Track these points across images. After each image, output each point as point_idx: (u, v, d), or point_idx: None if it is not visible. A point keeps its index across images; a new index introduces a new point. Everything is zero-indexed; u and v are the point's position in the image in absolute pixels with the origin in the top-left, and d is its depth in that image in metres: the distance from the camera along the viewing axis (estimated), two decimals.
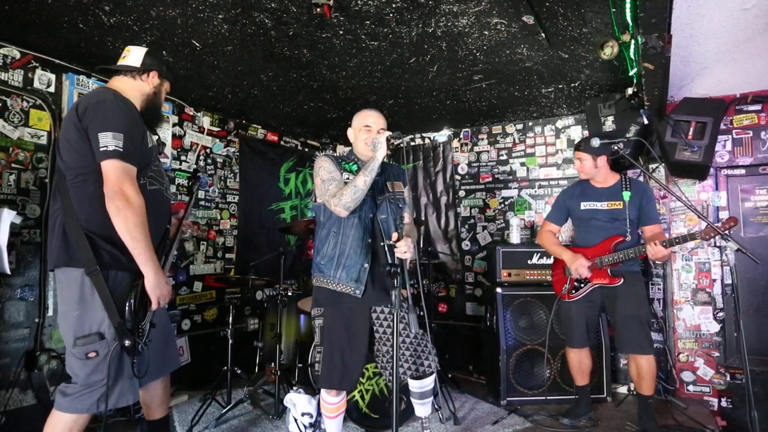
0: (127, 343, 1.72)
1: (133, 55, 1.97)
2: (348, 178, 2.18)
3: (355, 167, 2.25)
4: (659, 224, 2.86)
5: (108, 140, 1.71)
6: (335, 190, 2.12)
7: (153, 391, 2.04)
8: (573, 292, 2.90)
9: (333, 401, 2.24)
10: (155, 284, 1.78)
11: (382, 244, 2.10)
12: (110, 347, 1.73)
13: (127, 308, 1.74)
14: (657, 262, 2.83)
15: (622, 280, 2.78)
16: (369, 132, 2.24)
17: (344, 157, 2.32)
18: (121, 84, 1.95)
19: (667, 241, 2.57)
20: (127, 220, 1.70)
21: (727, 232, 2.21)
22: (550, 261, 3.30)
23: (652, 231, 2.79)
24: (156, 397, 2.06)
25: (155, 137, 2.05)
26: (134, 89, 1.95)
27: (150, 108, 1.99)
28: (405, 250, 1.97)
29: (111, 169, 1.72)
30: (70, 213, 1.77)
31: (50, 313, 2.88)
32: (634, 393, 3.29)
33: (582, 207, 2.94)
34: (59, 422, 1.74)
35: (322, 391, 2.23)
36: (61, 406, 1.75)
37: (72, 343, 1.73)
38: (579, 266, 2.78)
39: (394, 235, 1.96)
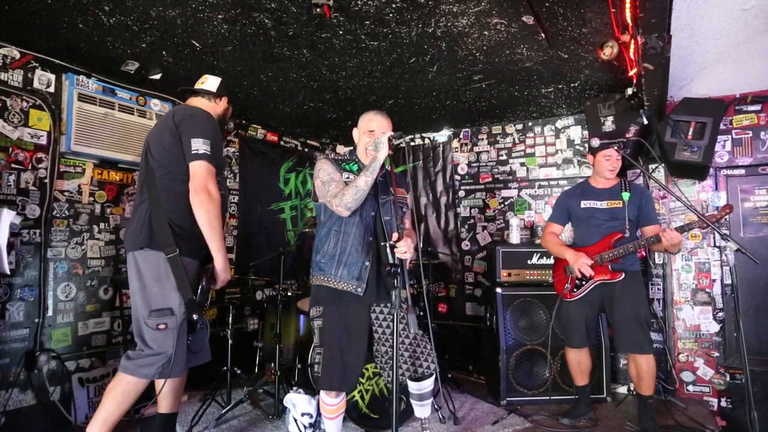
0: (194, 317, 2.03)
1: (210, 82, 2.41)
2: (348, 178, 2.18)
3: (356, 167, 2.25)
4: (659, 225, 2.88)
5: (200, 145, 2.06)
6: (336, 190, 2.12)
7: (173, 381, 2.21)
8: (575, 290, 2.90)
9: (332, 402, 2.23)
10: (223, 267, 2.14)
11: (383, 244, 2.10)
12: (178, 321, 2.02)
13: (200, 288, 2.06)
14: (672, 252, 2.83)
15: (624, 275, 2.79)
16: (372, 137, 2.22)
17: (345, 158, 2.32)
18: (199, 103, 2.35)
19: (678, 229, 2.56)
20: (209, 212, 2.03)
21: (725, 218, 2.27)
22: (550, 261, 3.30)
23: (654, 231, 2.79)
24: (174, 388, 2.26)
25: None
26: (210, 108, 2.33)
27: (220, 125, 2.35)
28: (405, 250, 1.96)
29: (199, 168, 2.05)
30: (157, 204, 2.06)
31: (50, 313, 2.89)
32: (634, 393, 3.29)
33: (582, 205, 2.95)
34: (120, 383, 2.00)
35: (322, 392, 2.22)
36: (126, 369, 2.00)
37: (147, 315, 2.01)
38: (581, 264, 2.78)
39: (395, 235, 1.96)
